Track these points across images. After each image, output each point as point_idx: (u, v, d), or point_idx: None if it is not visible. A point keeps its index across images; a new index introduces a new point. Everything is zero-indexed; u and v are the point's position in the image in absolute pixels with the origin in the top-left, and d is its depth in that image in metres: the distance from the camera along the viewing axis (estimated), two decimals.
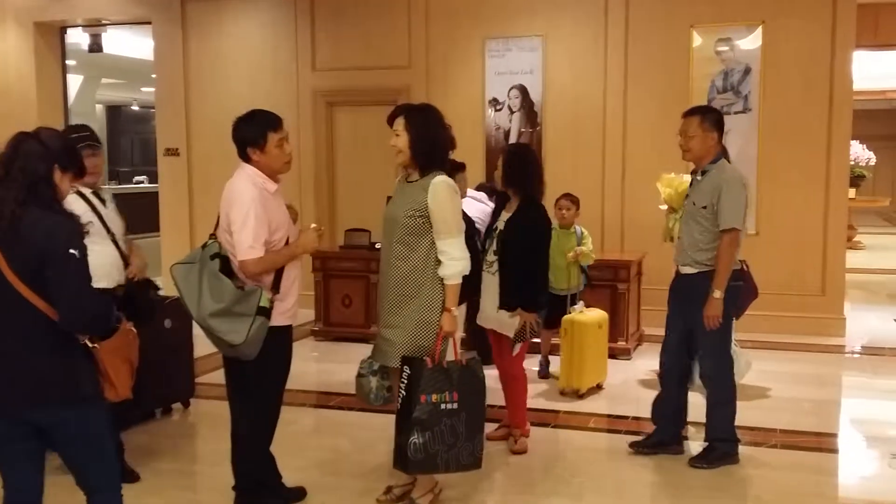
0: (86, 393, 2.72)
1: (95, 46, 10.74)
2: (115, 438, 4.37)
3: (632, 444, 4.75)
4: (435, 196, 3.70)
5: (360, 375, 4.09)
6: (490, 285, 4.67)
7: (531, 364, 5.85)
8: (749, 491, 4.35)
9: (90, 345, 2.73)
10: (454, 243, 3.73)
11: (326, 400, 5.96)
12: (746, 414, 5.46)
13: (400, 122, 3.78)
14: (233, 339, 3.49)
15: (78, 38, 10.71)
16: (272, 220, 3.61)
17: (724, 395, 4.55)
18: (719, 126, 4.50)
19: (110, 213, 4.19)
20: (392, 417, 3.83)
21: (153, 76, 10.00)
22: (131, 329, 2.93)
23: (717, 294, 4.33)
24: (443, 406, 3.65)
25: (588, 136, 8.13)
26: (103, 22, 10.27)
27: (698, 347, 4.54)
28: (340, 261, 7.73)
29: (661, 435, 4.69)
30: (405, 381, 3.67)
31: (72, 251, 2.62)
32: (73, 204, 3.99)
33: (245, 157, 3.68)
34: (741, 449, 4.60)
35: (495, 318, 4.68)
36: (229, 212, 3.59)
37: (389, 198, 3.97)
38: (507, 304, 4.59)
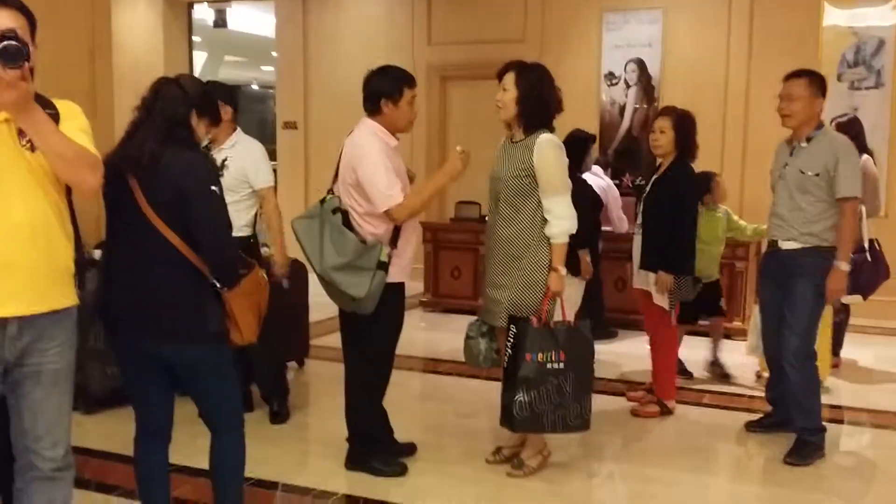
0: (212, 331, 2.80)
1: (220, 22, 11.10)
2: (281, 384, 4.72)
3: (747, 424, 4.62)
4: (541, 153, 3.67)
5: (468, 338, 4.10)
6: (637, 247, 4.79)
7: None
8: (877, 471, 4.21)
9: (218, 286, 2.80)
10: (560, 201, 3.69)
11: (434, 366, 6.03)
12: (871, 397, 5.28)
13: (510, 78, 3.75)
14: (355, 293, 3.55)
15: (203, 13, 11.07)
16: (398, 172, 3.68)
17: (813, 382, 4.26)
18: (824, 92, 4.22)
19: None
20: (499, 384, 3.86)
21: (273, 54, 10.27)
22: (263, 276, 2.99)
23: (844, 266, 4.06)
24: (549, 365, 3.64)
25: (708, 112, 7.85)
26: None
27: (787, 326, 4.19)
28: (450, 233, 7.81)
29: (778, 416, 4.54)
30: (511, 340, 3.68)
31: (213, 188, 2.73)
32: None
33: (374, 109, 3.72)
34: (873, 431, 4.44)
35: (643, 278, 4.75)
36: (357, 166, 3.64)
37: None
38: (646, 264, 4.67)
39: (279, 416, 4.64)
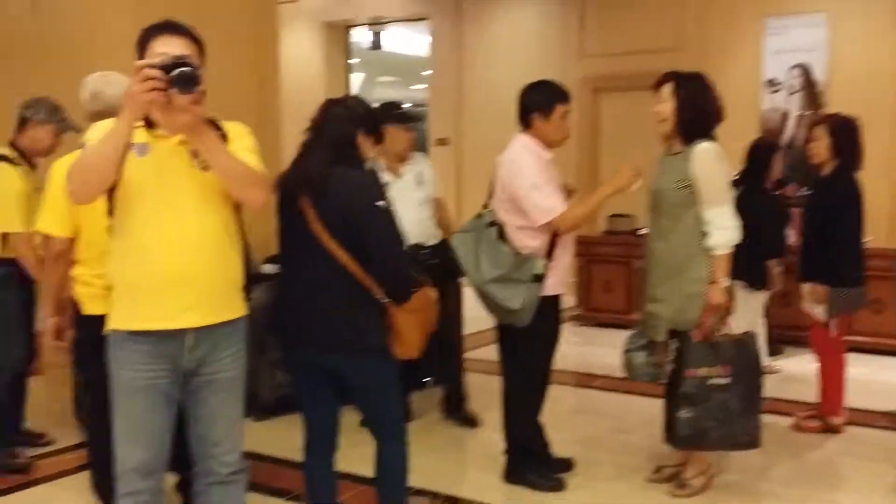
0: (375, 345, 2.89)
1: (376, 44, 11.46)
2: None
3: None
4: (700, 163, 3.56)
5: (626, 351, 4.06)
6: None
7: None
8: None
9: (384, 300, 2.87)
10: (722, 212, 3.57)
11: (589, 381, 5.96)
12: None
13: (668, 89, 3.67)
14: (511, 305, 3.59)
15: (360, 36, 11.47)
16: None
17: None
18: None
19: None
20: (655, 400, 3.80)
21: (423, 73, 10.50)
22: (432, 294, 3.04)
23: None
24: (712, 381, 3.54)
25: (878, 116, 7.43)
26: (384, 20, 10.94)
27: None
28: (603, 246, 7.73)
29: None
30: (673, 355, 3.62)
31: (379, 203, 2.83)
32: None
33: (526, 124, 3.76)
34: None
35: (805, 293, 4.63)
36: (512, 182, 3.68)
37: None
38: (803, 275, 4.54)
39: (470, 420, 4.75)
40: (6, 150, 4.07)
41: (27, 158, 4.14)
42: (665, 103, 3.66)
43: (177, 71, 2.22)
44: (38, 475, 4.14)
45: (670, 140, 3.74)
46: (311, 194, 2.83)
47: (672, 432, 3.66)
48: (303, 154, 2.93)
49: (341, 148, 2.88)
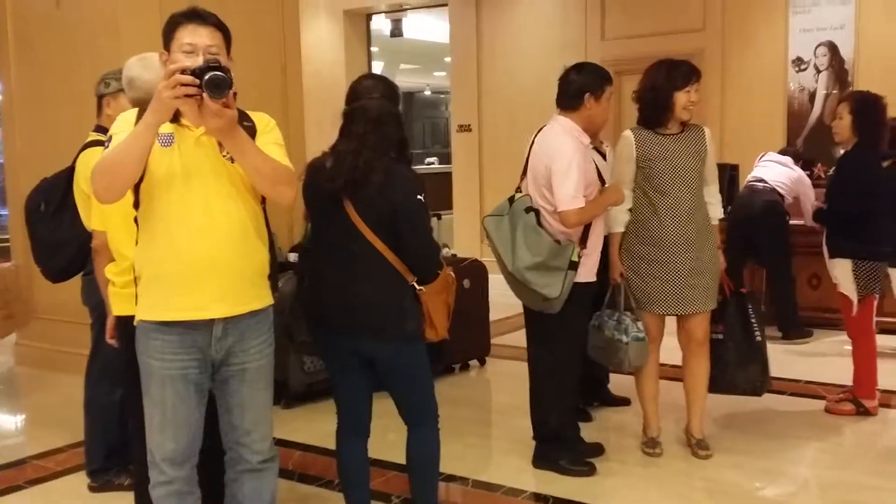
0: (411, 330, 2.92)
1: (397, 31, 11.42)
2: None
3: None
4: (710, 142, 3.89)
5: (637, 340, 3.81)
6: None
7: None
8: None
9: (417, 287, 2.91)
10: (717, 187, 3.99)
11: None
12: None
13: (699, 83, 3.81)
14: (548, 293, 3.56)
15: (380, 24, 11.43)
16: (587, 174, 3.67)
17: None
18: None
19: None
20: (681, 384, 4.03)
21: (446, 59, 10.42)
22: (450, 273, 3.07)
23: None
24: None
25: None
26: (404, 7, 10.89)
27: None
28: None
29: None
30: (735, 318, 3.98)
31: (419, 197, 2.87)
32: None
33: (574, 105, 3.72)
34: None
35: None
36: (550, 164, 3.63)
37: None
38: (828, 251, 4.55)
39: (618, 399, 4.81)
40: (96, 136, 3.63)
41: None
42: (700, 94, 3.84)
43: (208, 75, 2.18)
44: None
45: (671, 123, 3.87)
46: (351, 185, 2.84)
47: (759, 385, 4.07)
48: (339, 143, 2.93)
49: (379, 137, 2.88)
